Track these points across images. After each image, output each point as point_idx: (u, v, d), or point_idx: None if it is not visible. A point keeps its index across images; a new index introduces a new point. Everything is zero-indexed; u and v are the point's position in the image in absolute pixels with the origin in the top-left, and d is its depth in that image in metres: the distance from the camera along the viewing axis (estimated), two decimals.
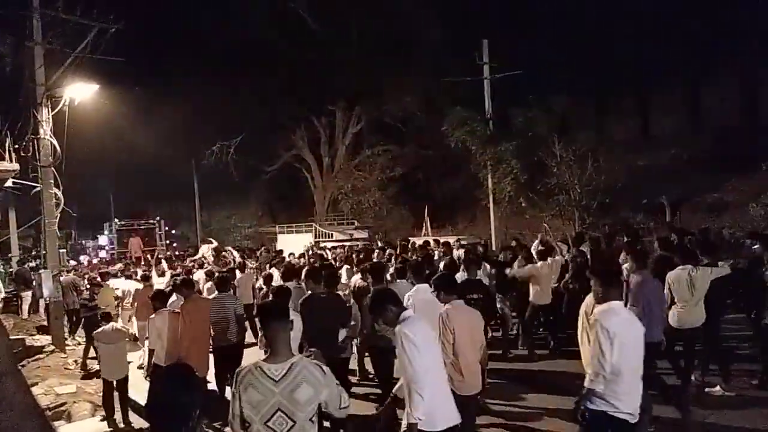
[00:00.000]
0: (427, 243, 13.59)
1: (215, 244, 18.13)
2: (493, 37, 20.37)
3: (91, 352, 8.87)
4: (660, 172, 20.53)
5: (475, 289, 6.56)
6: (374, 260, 10.16)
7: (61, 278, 11.60)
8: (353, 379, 7.17)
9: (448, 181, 28.21)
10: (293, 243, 19.09)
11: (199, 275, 11.69)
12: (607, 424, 3.76)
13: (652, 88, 24.37)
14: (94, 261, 29.31)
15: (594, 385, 3.75)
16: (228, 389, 6.24)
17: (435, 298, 4.73)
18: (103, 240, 38.16)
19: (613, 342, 3.69)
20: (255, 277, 11.79)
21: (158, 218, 34.33)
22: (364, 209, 25.76)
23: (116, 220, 35.82)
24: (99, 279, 12.05)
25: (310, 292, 6.02)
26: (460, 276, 7.11)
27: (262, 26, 23.79)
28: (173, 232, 35.93)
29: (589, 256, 9.01)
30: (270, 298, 6.21)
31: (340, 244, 19.24)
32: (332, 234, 21.41)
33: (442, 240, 14.04)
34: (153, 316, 7.03)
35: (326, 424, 4.42)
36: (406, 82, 23.31)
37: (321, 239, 21.16)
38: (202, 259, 16.17)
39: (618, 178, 17.16)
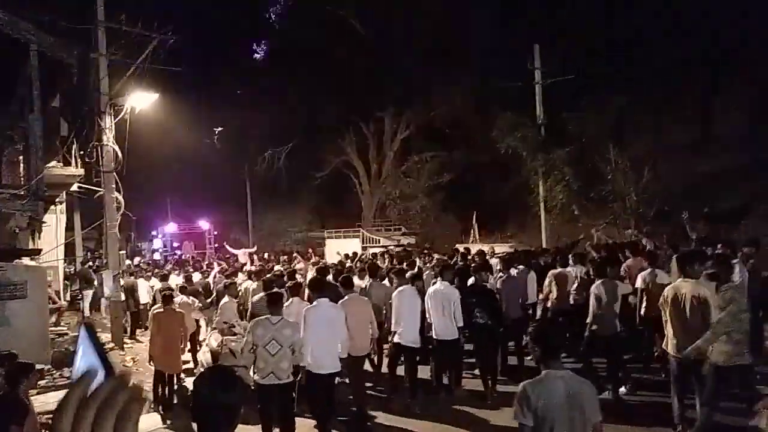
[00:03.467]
0: (455, 250, 14.32)
1: (254, 248, 18.50)
2: (543, 40, 19.97)
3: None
4: (725, 178, 19.50)
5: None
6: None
7: (122, 280, 12.14)
8: None
9: (498, 188, 27.74)
10: (341, 248, 19.24)
11: (241, 277, 12.07)
12: (402, 348, 6.95)
13: (713, 87, 23.19)
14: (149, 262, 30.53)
15: (394, 329, 7.03)
16: None
17: (453, 289, 7.29)
18: (157, 243, 39.70)
19: (397, 304, 7.00)
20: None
21: (208, 224, 35.45)
22: (412, 215, 25.69)
23: (171, 224, 37.23)
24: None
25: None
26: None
27: (311, 32, 24.20)
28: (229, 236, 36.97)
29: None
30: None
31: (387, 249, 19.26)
32: (379, 240, 21.46)
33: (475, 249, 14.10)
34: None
35: None
36: (455, 87, 23.16)
37: (368, 245, 21.24)
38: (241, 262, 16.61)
39: (677, 185, 16.44)
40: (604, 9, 22.51)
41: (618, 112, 17.08)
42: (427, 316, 7.33)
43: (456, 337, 7.19)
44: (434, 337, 7.28)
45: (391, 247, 18.24)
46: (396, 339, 6.98)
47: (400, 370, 7.34)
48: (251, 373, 5.49)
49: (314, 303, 6.01)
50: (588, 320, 7.16)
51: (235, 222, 37.37)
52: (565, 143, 17.95)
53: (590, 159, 17.31)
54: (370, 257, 16.27)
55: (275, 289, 6.70)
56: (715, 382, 5.19)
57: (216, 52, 25.85)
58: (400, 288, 7.17)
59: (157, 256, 35.94)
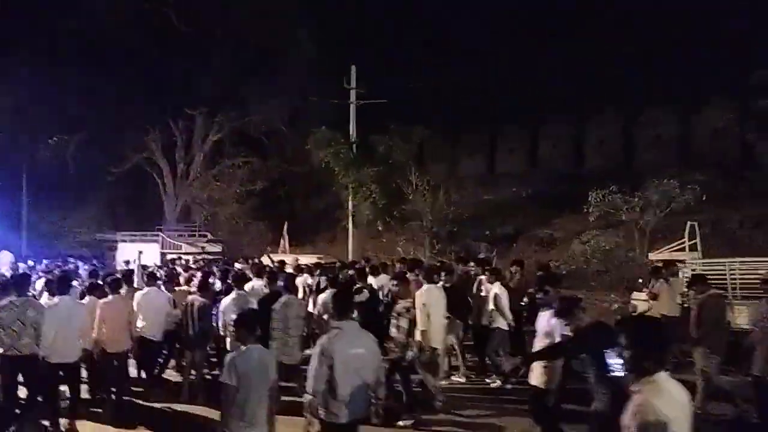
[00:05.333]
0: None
1: None
2: (361, 64, 21.00)
3: None
4: (503, 207, 22.48)
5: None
6: None
7: None
8: None
9: (311, 200, 28.12)
10: (136, 253, 17.54)
11: None
12: (144, 341, 7.50)
13: (498, 129, 26.79)
14: None
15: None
16: None
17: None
18: None
19: (142, 302, 7.68)
20: None
21: None
22: (220, 222, 24.65)
23: None
24: None
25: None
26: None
27: (121, 19, 22.05)
28: None
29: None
30: None
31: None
32: (181, 246, 20.09)
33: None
34: None
35: None
36: (273, 96, 23.01)
37: (168, 250, 19.77)
38: None
39: (466, 210, 18.46)
40: (416, 44, 24.69)
41: (421, 140, 18.63)
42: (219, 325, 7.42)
43: None
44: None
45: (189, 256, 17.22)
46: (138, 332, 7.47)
47: None
48: None
49: (55, 299, 6.54)
50: None
51: (4, 216, 31.79)
52: (374, 163, 18.96)
53: (395, 180, 18.55)
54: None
55: None
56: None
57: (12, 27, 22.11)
58: (146, 289, 7.97)
59: None
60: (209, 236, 22.41)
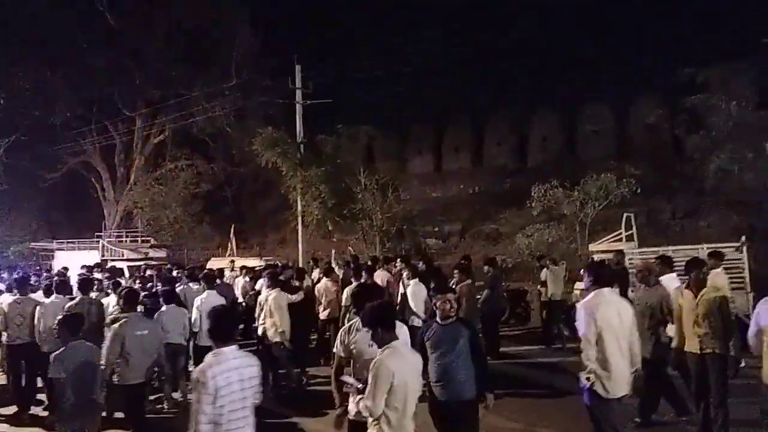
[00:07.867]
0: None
1: None
2: (307, 63, 20.81)
3: None
4: (450, 204, 22.84)
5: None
6: None
7: None
8: None
9: (258, 201, 27.68)
10: (75, 261, 16.77)
11: None
12: None
13: (445, 127, 27.20)
14: None
15: None
16: None
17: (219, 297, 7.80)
18: None
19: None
20: None
21: None
22: (163, 226, 23.85)
23: None
24: None
25: None
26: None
27: (51, 16, 21.00)
28: None
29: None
30: None
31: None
32: (123, 252, 19.30)
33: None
34: None
35: None
36: (216, 96, 22.49)
37: (109, 257, 18.98)
38: None
39: (414, 207, 18.62)
40: (362, 43, 24.69)
41: (369, 140, 18.64)
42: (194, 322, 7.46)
43: None
44: (200, 344, 7.29)
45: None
46: None
47: None
48: None
49: (51, 298, 7.48)
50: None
51: None
52: (322, 163, 18.81)
53: (344, 179, 18.47)
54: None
55: None
56: None
57: None
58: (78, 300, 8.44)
59: None
60: (152, 241, 21.65)
